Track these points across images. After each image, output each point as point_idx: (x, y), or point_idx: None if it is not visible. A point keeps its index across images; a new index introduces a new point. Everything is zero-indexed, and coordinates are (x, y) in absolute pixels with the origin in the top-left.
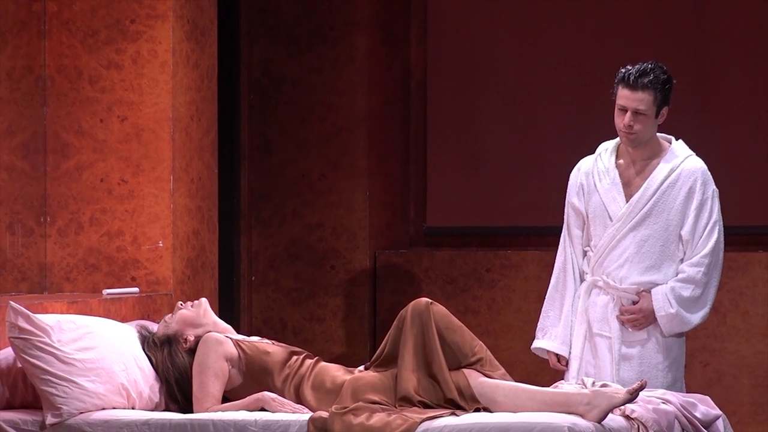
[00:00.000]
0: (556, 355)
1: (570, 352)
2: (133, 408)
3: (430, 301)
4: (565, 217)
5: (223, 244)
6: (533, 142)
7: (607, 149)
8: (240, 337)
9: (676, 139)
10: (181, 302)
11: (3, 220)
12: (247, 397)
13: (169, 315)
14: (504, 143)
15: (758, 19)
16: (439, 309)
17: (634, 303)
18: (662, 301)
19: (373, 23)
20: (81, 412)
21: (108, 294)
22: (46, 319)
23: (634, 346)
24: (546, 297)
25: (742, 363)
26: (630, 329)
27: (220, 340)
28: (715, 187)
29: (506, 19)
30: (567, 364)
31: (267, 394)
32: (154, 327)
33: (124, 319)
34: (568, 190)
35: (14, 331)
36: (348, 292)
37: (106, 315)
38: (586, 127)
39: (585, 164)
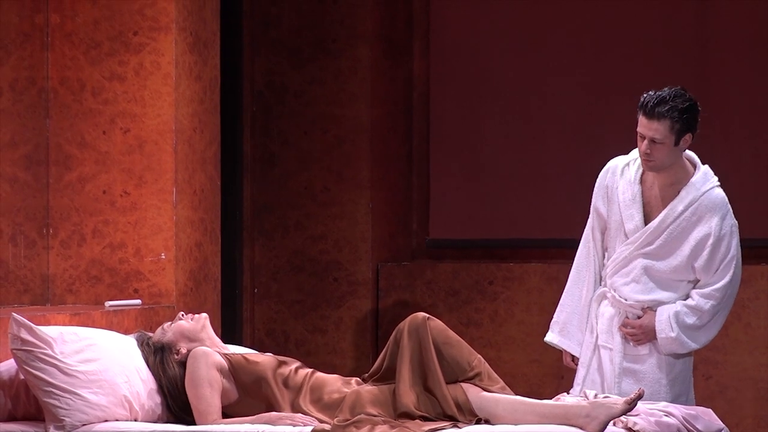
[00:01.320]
0: (571, 354)
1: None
2: (135, 420)
3: (427, 315)
4: (590, 218)
5: (226, 256)
6: (536, 154)
7: (636, 159)
8: (229, 351)
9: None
10: (182, 312)
11: (6, 232)
12: (255, 416)
13: (168, 323)
14: (506, 155)
15: (761, 27)
16: (437, 324)
17: (639, 318)
18: (664, 323)
19: (376, 35)
20: (84, 424)
21: (110, 306)
22: (49, 330)
23: (636, 361)
24: (565, 290)
25: (745, 376)
26: (631, 343)
27: (207, 351)
28: (734, 221)
29: (509, 31)
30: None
31: (275, 414)
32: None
33: (126, 331)
34: (594, 191)
35: (17, 343)
36: (350, 304)
37: (109, 327)
38: (589, 139)
39: (614, 169)
